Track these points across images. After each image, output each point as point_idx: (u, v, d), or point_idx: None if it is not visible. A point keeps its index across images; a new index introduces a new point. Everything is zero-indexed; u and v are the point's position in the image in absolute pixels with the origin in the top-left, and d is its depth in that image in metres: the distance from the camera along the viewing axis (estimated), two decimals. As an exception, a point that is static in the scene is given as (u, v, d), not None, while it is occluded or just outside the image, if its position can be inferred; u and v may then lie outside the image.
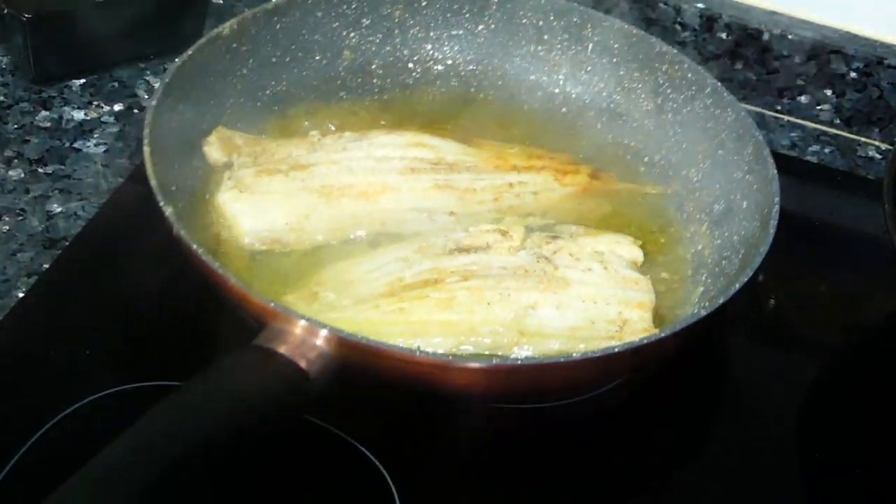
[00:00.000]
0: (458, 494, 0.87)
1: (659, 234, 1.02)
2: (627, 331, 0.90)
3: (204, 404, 0.72)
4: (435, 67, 1.17)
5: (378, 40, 1.15)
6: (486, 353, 0.88)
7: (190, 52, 0.99)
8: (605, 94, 1.14)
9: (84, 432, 0.83)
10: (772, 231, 0.91)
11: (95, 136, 1.11)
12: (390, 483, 0.84)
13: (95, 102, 1.15)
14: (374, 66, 1.14)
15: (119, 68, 1.19)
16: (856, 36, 1.26)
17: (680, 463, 0.93)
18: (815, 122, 1.30)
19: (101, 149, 1.10)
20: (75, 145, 1.09)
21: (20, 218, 1.01)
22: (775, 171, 0.97)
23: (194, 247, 0.82)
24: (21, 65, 1.15)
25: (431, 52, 1.16)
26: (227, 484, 0.76)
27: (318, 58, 1.12)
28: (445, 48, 1.17)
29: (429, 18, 1.15)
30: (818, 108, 1.29)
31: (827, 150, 1.27)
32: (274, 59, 1.08)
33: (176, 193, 0.92)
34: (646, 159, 1.10)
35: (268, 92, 1.08)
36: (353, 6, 1.12)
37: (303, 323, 0.77)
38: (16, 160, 1.07)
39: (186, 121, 0.98)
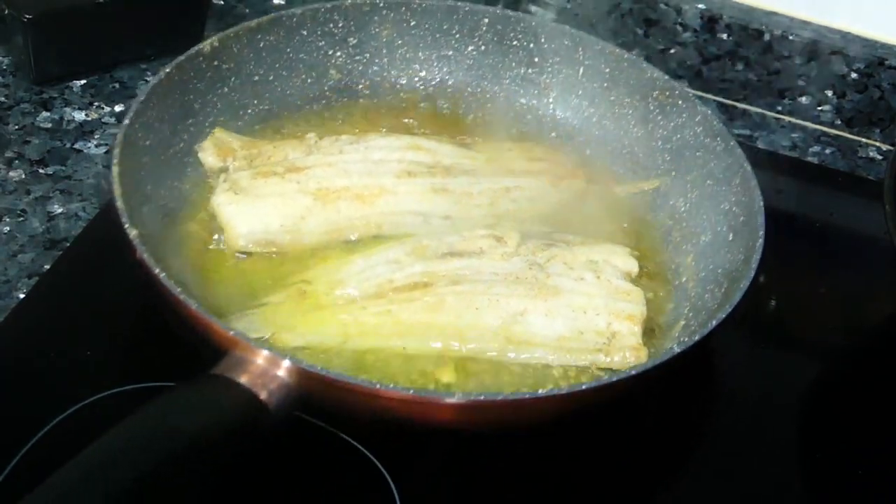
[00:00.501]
0: (458, 494, 0.87)
1: (644, 260, 1.00)
2: (615, 345, 0.90)
3: (158, 433, 0.70)
4: (423, 88, 1.15)
5: (365, 60, 1.13)
6: (472, 358, 0.88)
7: (167, 69, 0.97)
8: (594, 119, 1.13)
9: (85, 433, 0.82)
10: (754, 266, 0.89)
11: (96, 136, 1.11)
12: (390, 482, 0.84)
13: (96, 103, 1.15)
14: (360, 87, 1.13)
15: (120, 69, 1.19)
16: (856, 37, 1.26)
17: (681, 464, 0.93)
18: (816, 123, 1.30)
19: (102, 149, 1.10)
20: (76, 146, 1.10)
21: (21, 219, 1.01)
22: (762, 204, 0.95)
23: (157, 271, 0.80)
24: (22, 65, 1.15)
25: (420, 72, 1.15)
26: (227, 485, 0.76)
27: (303, 77, 1.10)
28: (434, 69, 1.15)
29: (417, 38, 1.14)
30: (819, 108, 1.29)
31: (828, 151, 1.27)
32: (256, 78, 1.07)
33: (147, 214, 0.91)
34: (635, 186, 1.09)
35: (249, 111, 1.07)
36: (340, 25, 1.11)
37: (265, 353, 0.76)
38: (16, 161, 1.07)
39: (162, 140, 0.97)
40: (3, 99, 1.13)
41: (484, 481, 0.87)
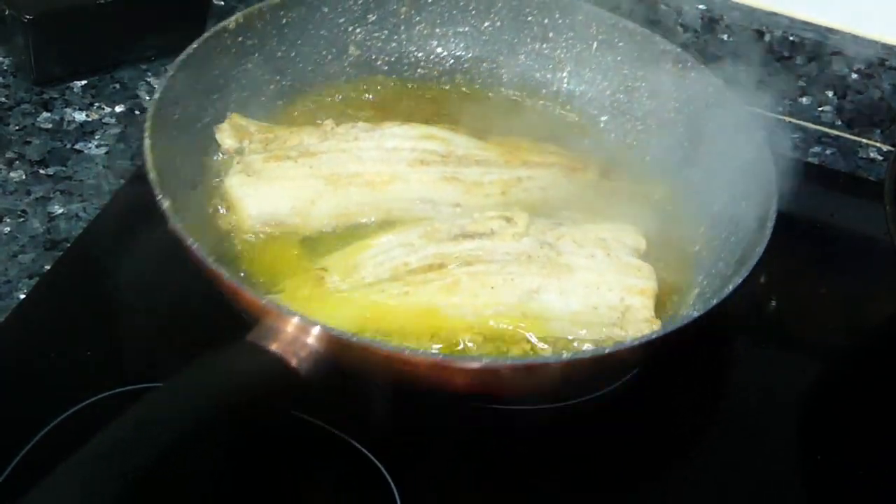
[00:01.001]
0: (458, 493, 0.87)
1: (658, 233, 1.01)
2: (629, 318, 0.91)
3: (191, 398, 0.72)
4: (440, 64, 1.17)
5: (384, 36, 1.15)
6: (491, 339, 0.89)
7: (195, 45, 0.99)
8: (608, 92, 1.15)
9: (85, 434, 0.83)
10: (768, 233, 0.90)
11: (97, 137, 1.11)
12: (391, 483, 0.84)
13: (97, 104, 1.15)
14: (379, 63, 1.15)
15: (120, 69, 1.19)
16: (857, 37, 1.26)
17: (681, 464, 0.93)
18: (817, 124, 1.30)
19: (103, 150, 1.10)
20: (77, 147, 1.10)
21: (21, 219, 1.01)
22: (774, 171, 0.97)
23: (189, 241, 0.82)
24: (22, 66, 1.15)
25: (437, 48, 1.17)
26: (228, 484, 0.76)
27: (323, 53, 1.12)
28: (451, 45, 1.17)
29: (435, 15, 1.16)
30: (819, 109, 1.29)
31: (828, 152, 1.27)
32: (279, 54, 1.08)
33: (176, 187, 0.91)
34: (647, 158, 1.10)
35: (272, 87, 1.08)
36: (360, 2, 1.13)
37: (295, 320, 0.77)
38: (17, 161, 1.07)
39: (190, 114, 0.99)
40: (3, 99, 1.13)
41: (485, 480, 0.87)
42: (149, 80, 1.18)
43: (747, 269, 0.87)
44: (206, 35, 1.01)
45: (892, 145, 1.28)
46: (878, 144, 1.29)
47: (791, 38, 1.25)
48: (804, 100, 1.29)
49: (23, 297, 0.94)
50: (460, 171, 1.02)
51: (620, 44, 1.13)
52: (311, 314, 0.85)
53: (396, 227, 0.96)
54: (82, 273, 0.97)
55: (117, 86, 1.17)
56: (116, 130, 1.12)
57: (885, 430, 0.97)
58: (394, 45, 1.16)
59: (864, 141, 1.29)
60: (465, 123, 1.09)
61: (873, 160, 1.27)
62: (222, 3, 1.31)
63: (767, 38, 1.26)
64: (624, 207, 1.03)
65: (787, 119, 1.30)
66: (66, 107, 1.14)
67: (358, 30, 1.14)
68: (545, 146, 1.08)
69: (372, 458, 0.85)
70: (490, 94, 1.16)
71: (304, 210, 0.96)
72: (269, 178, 0.96)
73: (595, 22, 1.14)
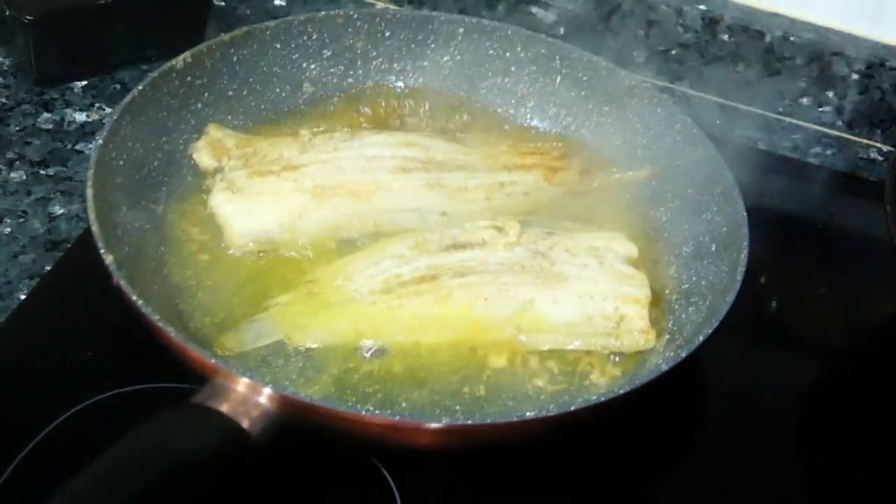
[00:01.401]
0: (459, 494, 0.87)
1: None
2: (624, 328, 0.91)
3: (135, 467, 0.69)
4: (399, 99, 1.13)
5: (340, 72, 1.12)
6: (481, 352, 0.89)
7: (140, 87, 0.96)
8: (573, 128, 1.12)
9: (86, 434, 0.83)
10: (739, 278, 0.88)
11: (97, 138, 1.11)
12: (392, 484, 0.84)
13: (97, 104, 1.15)
14: (335, 99, 1.12)
15: (121, 70, 1.19)
16: (857, 38, 1.26)
17: (681, 463, 0.93)
18: (817, 124, 1.30)
19: (103, 151, 1.10)
20: (77, 147, 1.10)
21: (22, 220, 1.01)
22: (745, 214, 0.94)
23: (134, 297, 0.79)
24: (23, 66, 1.15)
25: (396, 83, 1.13)
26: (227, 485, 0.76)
27: (277, 90, 1.09)
28: (410, 79, 1.13)
29: (392, 49, 1.12)
30: (820, 109, 1.29)
31: (829, 152, 1.27)
32: (230, 93, 1.05)
33: (123, 237, 0.90)
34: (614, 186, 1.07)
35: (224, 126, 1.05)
36: (314, 37, 1.09)
37: (245, 380, 0.75)
38: (17, 162, 1.07)
39: (137, 159, 0.96)
40: (4, 100, 1.13)
41: (486, 482, 0.87)
42: (149, 80, 1.18)
43: (717, 320, 0.85)
44: (151, 76, 0.98)
45: (893, 146, 1.28)
46: (878, 145, 1.29)
47: (792, 39, 1.25)
48: (804, 100, 1.29)
49: (23, 297, 0.94)
50: (443, 176, 1.01)
51: (585, 78, 1.10)
52: (304, 328, 0.86)
53: (386, 239, 0.95)
54: (83, 274, 0.97)
55: (118, 86, 1.17)
56: (117, 131, 1.12)
57: (885, 431, 0.97)
58: (350, 80, 1.12)
59: (865, 141, 1.29)
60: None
61: (874, 160, 1.27)
62: (223, 3, 1.31)
63: (768, 38, 1.26)
64: (610, 212, 1.03)
65: (788, 119, 1.30)
66: (66, 107, 1.14)
67: (313, 65, 1.10)
68: (523, 146, 1.08)
69: (373, 459, 0.84)
70: (451, 128, 1.12)
71: (292, 225, 0.95)
72: (254, 193, 0.95)
73: (558, 55, 1.11)
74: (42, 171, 1.06)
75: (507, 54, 1.12)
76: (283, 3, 1.34)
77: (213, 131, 1.01)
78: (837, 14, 1.26)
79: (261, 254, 0.95)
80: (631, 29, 1.28)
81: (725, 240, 0.95)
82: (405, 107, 1.12)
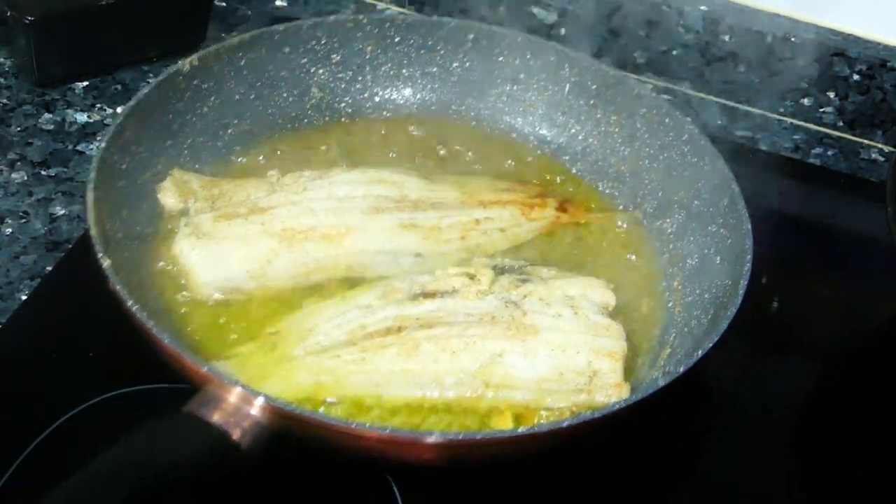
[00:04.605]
0: (459, 494, 0.87)
1: (629, 286, 0.98)
2: (597, 383, 0.88)
3: (124, 476, 0.69)
4: (407, 106, 1.12)
5: (348, 77, 1.10)
6: (450, 404, 0.86)
7: (146, 90, 0.95)
8: (581, 136, 1.10)
9: (88, 434, 0.83)
10: (741, 293, 0.87)
11: (98, 138, 1.11)
12: (393, 486, 0.84)
13: (98, 105, 1.15)
14: (343, 105, 1.11)
15: (122, 71, 1.19)
16: (859, 38, 1.26)
17: (682, 464, 0.93)
18: (819, 125, 1.30)
19: (104, 151, 1.10)
20: (78, 148, 1.10)
21: (23, 220, 1.01)
22: (749, 227, 0.93)
23: (129, 303, 0.79)
24: (24, 67, 1.15)
25: (404, 89, 1.12)
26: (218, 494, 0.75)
27: (284, 95, 1.08)
28: (419, 86, 1.12)
29: (402, 55, 1.11)
30: (821, 110, 1.29)
31: (830, 153, 1.27)
32: (237, 97, 1.04)
33: (123, 241, 0.89)
34: (620, 207, 1.06)
35: (230, 131, 1.04)
36: (323, 42, 1.08)
37: (238, 390, 0.74)
38: (19, 163, 1.07)
39: (140, 162, 0.95)
40: (5, 101, 1.13)
41: (486, 484, 0.87)
42: (150, 81, 1.18)
43: (717, 334, 0.84)
44: (158, 79, 0.97)
45: (894, 146, 1.28)
46: (879, 146, 1.29)
47: (793, 40, 1.25)
48: (806, 101, 1.29)
49: (24, 297, 0.94)
50: (416, 216, 0.98)
51: (594, 87, 1.09)
52: (263, 382, 0.83)
53: (356, 286, 0.93)
54: (84, 274, 0.97)
55: (119, 87, 1.17)
56: (118, 131, 1.12)
57: (885, 432, 0.97)
58: (358, 86, 1.11)
59: (866, 142, 1.29)
60: (429, 164, 1.07)
61: (875, 161, 1.27)
62: (223, 3, 1.31)
63: (769, 39, 1.26)
64: (592, 253, 1.01)
65: (789, 120, 1.30)
66: (67, 108, 1.14)
67: (321, 70, 1.09)
68: (501, 183, 1.05)
69: (377, 468, 0.85)
70: (458, 135, 1.11)
71: (260, 271, 0.92)
72: (220, 239, 0.92)
73: (567, 63, 1.10)
74: (43, 172, 1.06)
75: (517, 61, 1.11)
76: (285, 4, 1.34)
77: (179, 173, 0.97)
78: (839, 15, 1.26)
79: (226, 300, 0.91)
80: (632, 29, 1.28)
81: (730, 253, 0.94)
82: (407, 120, 1.11)
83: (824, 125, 1.30)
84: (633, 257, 1.01)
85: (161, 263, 0.92)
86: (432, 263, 0.95)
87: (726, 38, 1.27)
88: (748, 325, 1.03)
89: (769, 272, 1.06)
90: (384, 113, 1.12)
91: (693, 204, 1.01)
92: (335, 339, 0.87)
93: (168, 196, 0.96)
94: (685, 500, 0.90)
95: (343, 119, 1.10)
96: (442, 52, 1.11)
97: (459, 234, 0.99)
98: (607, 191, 1.07)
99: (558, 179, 1.08)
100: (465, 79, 1.12)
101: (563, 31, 1.30)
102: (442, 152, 1.09)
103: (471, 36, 1.11)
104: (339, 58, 1.09)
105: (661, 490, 0.91)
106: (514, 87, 1.12)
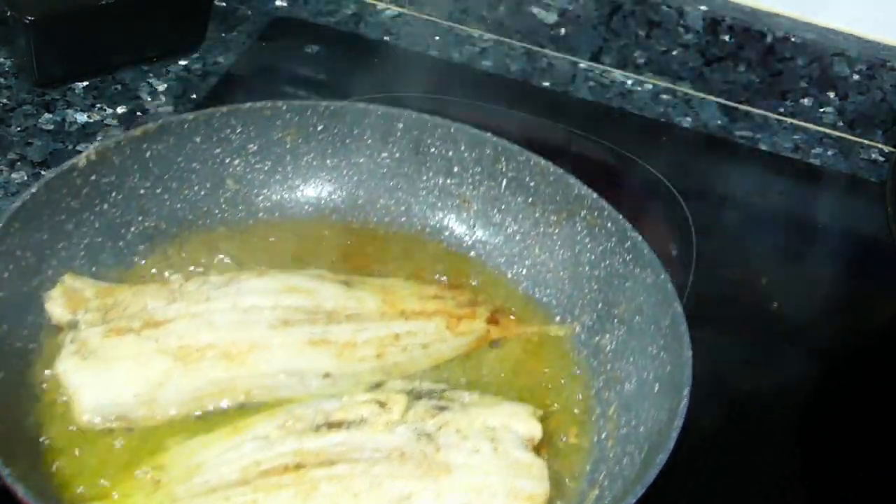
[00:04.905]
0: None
1: (560, 412, 0.89)
2: None
3: None
4: (331, 199, 1.02)
5: (266, 168, 1.01)
6: None
7: (34, 189, 0.87)
8: (518, 237, 1.00)
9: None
10: (674, 435, 0.78)
11: (98, 138, 1.11)
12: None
13: (98, 105, 1.15)
14: (260, 198, 1.01)
15: (122, 71, 1.19)
16: (859, 38, 1.26)
17: (681, 464, 0.93)
18: (818, 125, 1.30)
19: (104, 151, 1.10)
20: (78, 148, 1.10)
21: (23, 220, 1.01)
22: (689, 356, 0.83)
23: None
24: (24, 67, 1.15)
25: (327, 182, 1.02)
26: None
27: (195, 188, 0.98)
28: (344, 177, 1.02)
29: (325, 144, 1.01)
30: (821, 110, 1.29)
31: (830, 153, 1.27)
32: (142, 191, 0.95)
33: (3, 357, 0.82)
34: (557, 318, 0.96)
35: (133, 229, 0.95)
36: (238, 130, 0.99)
37: None
38: (19, 163, 1.07)
39: (25, 269, 0.86)
40: (5, 101, 1.13)
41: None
42: (150, 81, 1.19)
43: (643, 486, 0.76)
44: (48, 177, 0.88)
45: (894, 146, 1.28)
46: (879, 146, 1.29)
47: (793, 40, 1.25)
48: (806, 101, 1.29)
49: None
50: (330, 329, 0.89)
51: (532, 183, 0.99)
52: None
53: (255, 413, 0.84)
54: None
55: (119, 87, 1.17)
56: (118, 132, 1.12)
57: (885, 431, 0.97)
58: (277, 177, 1.01)
59: (866, 142, 1.29)
60: (352, 265, 0.98)
61: (875, 161, 1.27)
62: (223, 3, 1.31)
63: (769, 39, 1.26)
64: (521, 373, 0.92)
65: (789, 120, 1.30)
66: (67, 108, 1.14)
67: (236, 161, 0.99)
68: (427, 289, 0.96)
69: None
70: (385, 232, 1.02)
71: (150, 396, 0.83)
72: (108, 359, 0.83)
73: (504, 157, 1.00)
74: (43, 172, 1.06)
75: (450, 153, 1.01)
76: (284, 4, 1.34)
77: (70, 280, 0.89)
78: (839, 14, 1.26)
79: (110, 428, 0.82)
80: (632, 29, 1.28)
81: (668, 382, 0.84)
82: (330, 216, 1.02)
83: (824, 125, 1.30)
84: (565, 380, 0.91)
85: (43, 385, 0.84)
86: (343, 385, 0.87)
87: (726, 38, 1.27)
88: (748, 325, 1.04)
89: (769, 272, 1.06)
90: (306, 208, 1.02)
91: (634, 320, 0.91)
92: (225, 477, 0.79)
93: (56, 306, 0.87)
94: (685, 501, 0.90)
95: (260, 214, 1.01)
96: (369, 141, 1.02)
97: (376, 352, 0.89)
98: (544, 299, 0.97)
99: (492, 285, 0.99)
100: (395, 170, 1.03)
101: (563, 31, 1.31)
102: (367, 252, 1.00)
103: (400, 125, 1.01)
104: (255, 147, 1.00)
105: (659, 489, 0.91)
106: (448, 181, 1.02)
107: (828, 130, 1.30)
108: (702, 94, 1.30)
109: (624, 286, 0.92)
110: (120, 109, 1.15)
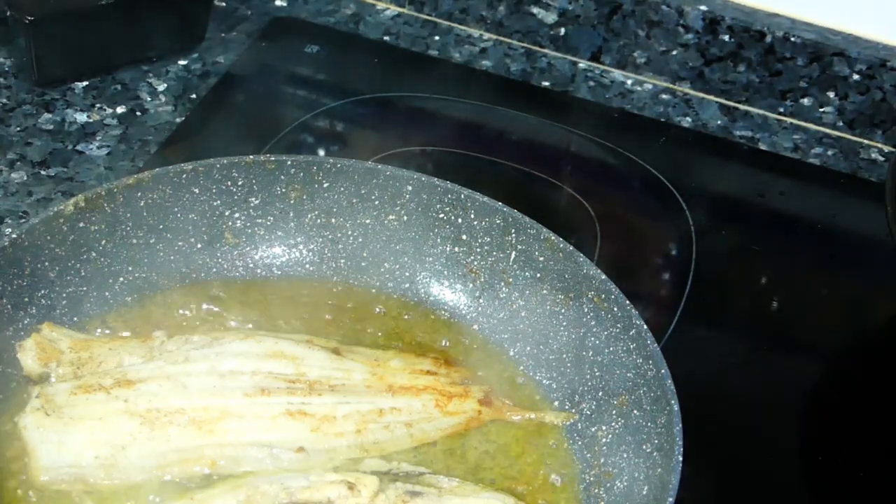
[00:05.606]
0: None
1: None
2: None
3: None
4: (334, 260, 0.98)
5: (268, 223, 0.97)
6: None
7: (15, 235, 0.84)
8: (523, 313, 0.95)
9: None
10: None
11: (98, 138, 1.11)
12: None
13: (98, 105, 1.15)
14: (259, 255, 0.97)
15: (121, 71, 1.19)
16: (859, 38, 1.26)
17: (682, 465, 0.93)
18: (818, 125, 1.30)
19: (104, 151, 1.10)
20: (78, 148, 1.10)
21: (23, 220, 1.01)
22: (680, 461, 0.79)
23: None
24: (24, 67, 1.16)
25: (330, 242, 0.98)
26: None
27: (192, 240, 0.95)
28: (349, 238, 0.98)
29: (330, 202, 0.97)
30: (821, 110, 1.29)
31: (830, 153, 1.27)
32: (134, 241, 0.92)
33: None
34: (556, 403, 0.91)
35: (121, 279, 0.92)
36: (240, 183, 0.95)
37: None
38: (18, 163, 1.07)
39: (2, 316, 0.84)
40: (4, 101, 1.13)
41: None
42: (150, 81, 1.19)
43: None
44: (33, 222, 0.86)
45: (894, 146, 1.28)
46: (879, 145, 1.29)
47: (792, 39, 1.25)
48: (805, 101, 1.28)
49: (25, 298, 0.93)
50: (309, 401, 0.84)
51: (541, 258, 0.94)
52: None
53: (219, 484, 0.79)
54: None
55: (118, 87, 1.17)
56: (118, 132, 1.12)
57: (885, 431, 0.97)
58: (279, 233, 0.97)
59: (866, 142, 1.29)
60: (346, 333, 0.93)
61: (875, 161, 1.27)
62: (223, 4, 1.31)
63: (769, 39, 1.26)
64: (509, 461, 0.86)
65: (789, 120, 1.30)
66: (67, 108, 1.14)
67: (237, 215, 0.96)
68: (421, 363, 0.91)
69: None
70: (387, 298, 0.97)
71: (111, 460, 0.79)
72: (72, 417, 0.80)
73: (514, 229, 0.95)
74: (43, 172, 1.06)
75: (459, 220, 0.97)
76: (284, 4, 1.34)
77: (47, 331, 0.85)
78: (838, 14, 1.26)
79: (67, 491, 0.79)
80: (632, 29, 1.28)
81: (656, 484, 0.80)
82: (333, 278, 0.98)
83: (824, 125, 1.30)
84: (556, 473, 0.86)
85: (5, 439, 0.81)
86: (315, 462, 0.82)
87: (726, 37, 1.27)
88: (748, 325, 1.04)
89: (769, 272, 1.06)
90: (307, 267, 0.98)
91: (632, 414, 0.86)
92: None
93: (28, 358, 0.83)
94: (683, 499, 0.90)
95: (258, 272, 0.97)
96: (376, 202, 0.98)
97: (356, 427, 0.84)
98: (545, 381, 0.92)
99: (493, 362, 0.94)
100: (401, 234, 0.98)
101: (562, 31, 1.31)
102: (365, 316, 0.96)
103: (408, 187, 0.97)
104: (258, 201, 0.96)
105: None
106: (456, 249, 0.98)
107: (828, 130, 1.30)
108: (702, 94, 1.30)
109: (626, 376, 0.88)
110: (120, 109, 1.15)
